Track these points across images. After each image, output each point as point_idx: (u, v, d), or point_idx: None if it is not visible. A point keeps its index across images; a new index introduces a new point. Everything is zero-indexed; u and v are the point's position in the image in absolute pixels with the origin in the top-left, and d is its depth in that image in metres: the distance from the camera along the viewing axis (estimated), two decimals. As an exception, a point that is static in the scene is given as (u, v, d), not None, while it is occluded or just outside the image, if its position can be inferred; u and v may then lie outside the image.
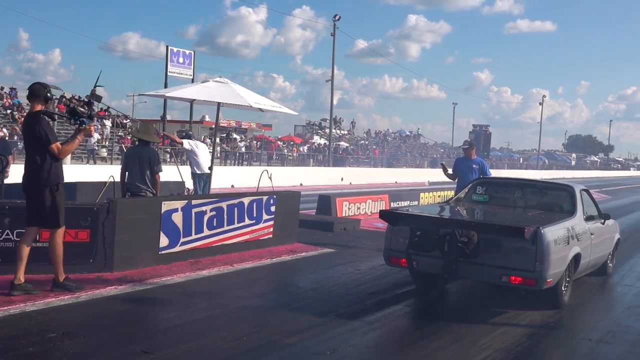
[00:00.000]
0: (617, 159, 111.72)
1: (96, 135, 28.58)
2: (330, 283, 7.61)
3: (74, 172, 16.96)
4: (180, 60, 36.06)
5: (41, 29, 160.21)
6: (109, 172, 10.94)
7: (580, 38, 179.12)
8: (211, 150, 13.43)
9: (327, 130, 49.69)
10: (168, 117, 38.95)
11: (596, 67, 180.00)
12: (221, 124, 37.51)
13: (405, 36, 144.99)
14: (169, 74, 35.10)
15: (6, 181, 9.99)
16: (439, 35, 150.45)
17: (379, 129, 68.94)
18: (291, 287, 7.62)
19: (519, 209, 8.12)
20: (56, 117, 7.66)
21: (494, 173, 15.30)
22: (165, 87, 29.82)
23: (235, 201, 9.02)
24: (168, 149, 27.78)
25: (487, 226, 6.66)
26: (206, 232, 8.45)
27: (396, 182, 34.54)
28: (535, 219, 7.23)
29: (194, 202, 8.38)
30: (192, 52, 37.47)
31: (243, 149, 37.83)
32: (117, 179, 8.93)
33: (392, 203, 15.49)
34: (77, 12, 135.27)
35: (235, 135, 43.12)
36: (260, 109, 10.87)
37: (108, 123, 32.79)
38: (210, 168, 11.37)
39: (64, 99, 30.90)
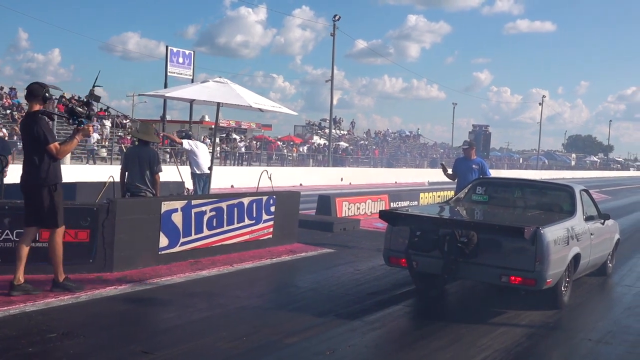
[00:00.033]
0: (616, 159, 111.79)
1: (96, 136, 28.58)
2: (329, 283, 7.61)
3: (73, 172, 17.00)
4: (180, 60, 36.05)
5: (41, 29, 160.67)
6: (109, 172, 10.94)
7: (580, 38, 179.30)
8: (211, 151, 13.43)
9: (327, 131, 49.68)
10: (168, 117, 38.94)
11: (596, 67, 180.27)
12: (221, 124, 37.51)
13: (405, 36, 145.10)
14: (168, 74, 35.09)
15: (5, 181, 9.98)
16: (439, 35, 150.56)
17: (379, 129, 69.04)
18: (291, 288, 7.62)
19: (519, 209, 8.12)
20: (54, 117, 7.65)
21: (494, 173, 15.31)
22: (165, 87, 29.83)
23: (235, 201, 9.02)
24: (168, 149, 27.77)
25: (487, 226, 6.66)
26: (206, 232, 8.45)
27: (396, 182, 34.56)
28: (535, 219, 7.23)
29: (193, 202, 8.39)
30: (192, 52, 37.46)
31: (243, 149, 37.82)
32: (117, 179, 8.92)
33: (391, 203, 15.49)
34: (77, 12, 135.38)
35: (235, 136, 43.06)
36: (260, 109, 10.87)
37: (108, 123, 32.76)
38: (210, 168, 11.38)
39: (64, 99, 30.92)
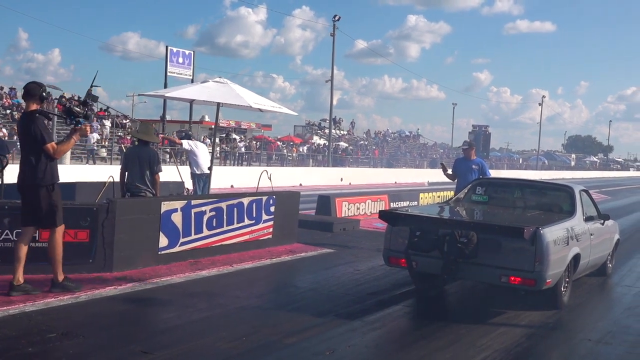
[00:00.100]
0: (616, 159, 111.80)
1: (96, 136, 28.58)
2: (329, 283, 7.61)
3: (73, 172, 17.01)
4: (180, 60, 36.09)
5: (41, 29, 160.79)
6: (109, 172, 10.93)
7: (580, 38, 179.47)
8: (211, 151, 13.42)
9: (327, 131, 49.70)
10: (168, 117, 38.96)
11: (596, 67, 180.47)
12: (221, 124, 37.49)
13: (404, 36, 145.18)
14: (168, 74, 35.12)
15: (5, 181, 9.96)
16: (439, 35, 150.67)
17: (379, 129, 69.08)
18: (290, 288, 7.62)
19: (519, 210, 8.12)
20: (52, 116, 7.63)
21: (494, 173, 15.29)
22: (165, 87, 29.86)
23: (235, 201, 9.02)
24: (168, 149, 27.78)
25: (487, 226, 6.65)
26: (206, 232, 8.45)
27: (396, 183, 34.55)
28: (534, 220, 7.23)
29: (193, 202, 8.38)
30: (192, 52, 37.52)
31: (242, 149, 37.82)
32: (117, 179, 8.92)
33: (391, 203, 15.49)
34: (77, 12, 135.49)
35: (234, 136, 43.03)
36: (260, 109, 10.86)
37: (107, 123, 32.77)
38: (210, 168, 11.38)
39: (64, 99, 30.91)
